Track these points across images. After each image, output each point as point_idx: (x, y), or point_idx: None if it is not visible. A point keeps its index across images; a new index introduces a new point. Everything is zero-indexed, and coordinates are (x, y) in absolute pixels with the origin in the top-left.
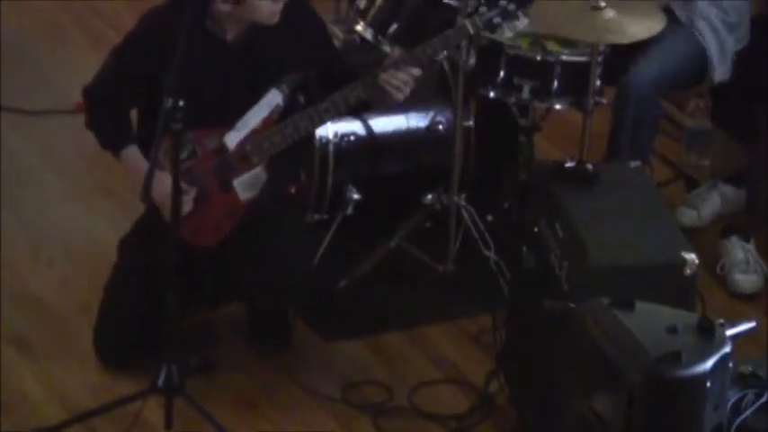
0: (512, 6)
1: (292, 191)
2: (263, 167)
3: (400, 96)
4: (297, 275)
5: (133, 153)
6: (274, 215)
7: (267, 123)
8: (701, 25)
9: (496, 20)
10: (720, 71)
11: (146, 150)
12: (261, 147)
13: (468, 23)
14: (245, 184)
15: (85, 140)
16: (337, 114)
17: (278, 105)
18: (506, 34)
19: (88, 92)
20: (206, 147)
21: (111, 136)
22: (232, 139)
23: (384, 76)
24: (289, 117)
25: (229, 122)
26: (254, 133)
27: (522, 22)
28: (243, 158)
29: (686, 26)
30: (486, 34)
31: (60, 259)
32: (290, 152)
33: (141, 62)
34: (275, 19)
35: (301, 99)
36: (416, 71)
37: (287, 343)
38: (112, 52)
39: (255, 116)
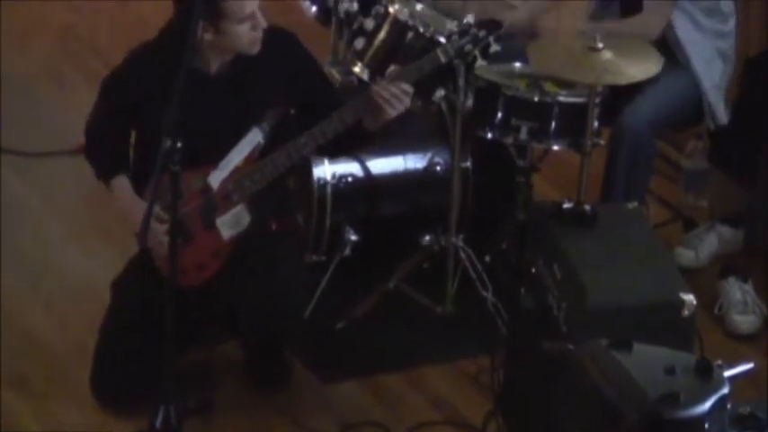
0: (482, 33)
1: (274, 227)
2: (245, 205)
3: (392, 111)
4: (284, 299)
5: (122, 183)
6: (259, 250)
7: (249, 161)
8: (698, 69)
9: (468, 47)
10: (719, 114)
11: (138, 182)
12: (242, 185)
13: (439, 52)
14: (228, 223)
15: (84, 182)
16: (315, 149)
17: (259, 143)
18: (480, 64)
19: (87, 123)
20: (191, 187)
21: (103, 166)
22: (215, 178)
23: (375, 89)
24: (269, 154)
25: (214, 161)
26: (237, 172)
27: (494, 48)
28: (225, 197)
29: (683, 66)
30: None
31: (59, 299)
32: (273, 187)
33: (125, 96)
34: (256, 48)
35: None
36: (409, 87)
37: (285, 383)
38: (101, 85)
39: (237, 155)
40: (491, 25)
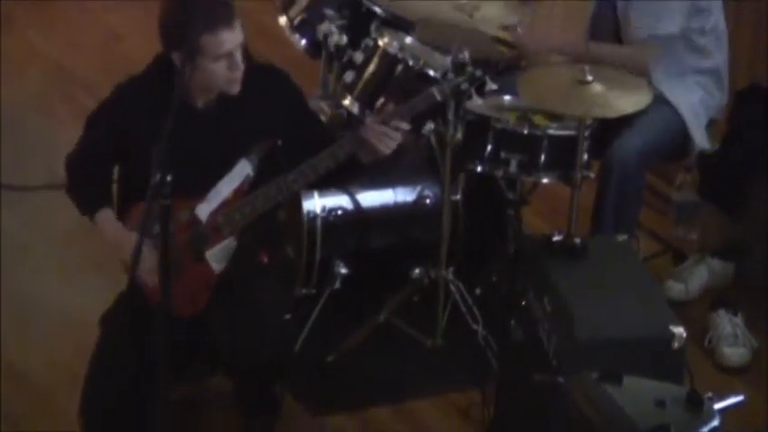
0: (479, 72)
1: (264, 260)
2: (235, 237)
3: (385, 149)
4: (273, 332)
5: (107, 217)
6: (248, 282)
7: (238, 194)
8: (679, 99)
9: (464, 86)
10: (699, 138)
11: (122, 215)
12: (232, 218)
13: (434, 90)
14: (218, 256)
15: (74, 215)
16: (307, 184)
17: (248, 176)
18: (476, 101)
19: (67, 158)
20: (179, 219)
21: (86, 200)
22: (203, 210)
23: (365, 128)
24: (259, 186)
25: (201, 193)
26: (225, 204)
27: (491, 87)
28: (215, 230)
29: (666, 100)
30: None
31: (48, 332)
32: (263, 221)
33: (111, 130)
34: (236, 88)
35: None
36: (404, 125)
37: (276, 417)
38: (87, 120)
39: (226, 187)
40: (487, 64)
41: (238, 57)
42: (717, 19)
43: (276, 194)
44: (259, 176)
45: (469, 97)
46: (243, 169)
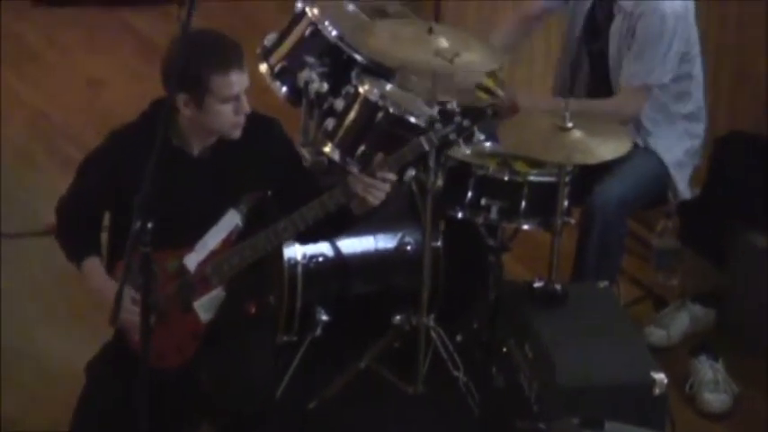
0: (467, 122)
1: (252, 310)
2: (223, 288)
3: (373, 200)
4: (257, 382)
5: (93, 265)
6: (234, 332)
7: (226, 244)
8: (661, 148)
9: (452, 136)
10: (683, 189)
11: (112, 263)
12: (221, 269)
13: (423, 140)
14: (206, 306)
15: (58, 263)
16: (295, 234)
17: (237, 226)
18: (463, 151)
19: (58, 203)
20: (166, 269)
21: (74, 247)
22: (192, 260)
23: (351, 181)
24: (247, 237)
25: (190, 243)
26: (214, 255)
27: (478, 137)
28: (203, 280)
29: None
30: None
31: (32, 381)
32: (250, 272)
33: (104, 176)
34: (237, 132)
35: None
36: (392, 176)
37: None
38: (79, 166)
39: (214, 237)
40: (476, 114)
41: (245, 101)
42: (699, 64)
43: (265, 245)
44: (247, 227)
45: (457, 147)
46: (231, 219)
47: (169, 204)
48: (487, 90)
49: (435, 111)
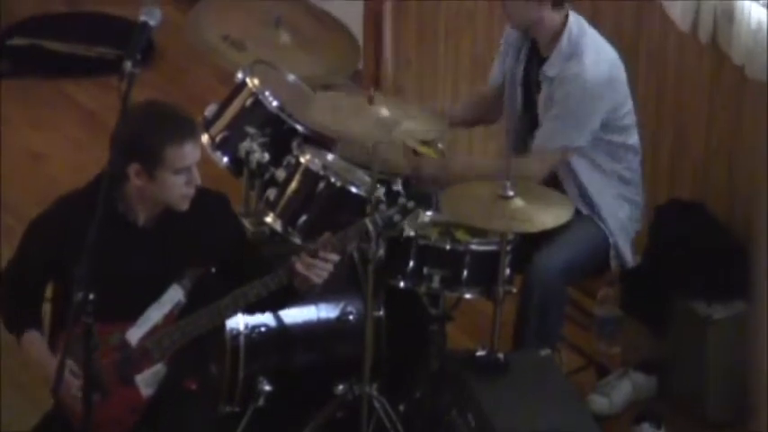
0: (411, 204)
1: (194, 386)
2: (164, 363)
3: (317, 279)
4: None
5: (33, 338)
6: (174, 407)
7: (169, 320)
8: (603, 214)
9: (396, 217)
10: (627, 257)
11: (54, 334)
12: (162, 343)
13: (367, 221)
14: (148, 381)
15: None
16: (237, 311)
17: (179, 301)
18: (407, 232)
19: (2, 272)
20: (108, 342)
21: (15, 318)
22: (134, 335)
23: (296, 264)
24: (190, 312)
25: (131, 317)
26: (156, 329)
27: (423, 218)
28: (144, 355)
29: (592, 213)
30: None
31: None
32: (192, 347)
33: (47, 244)
34: (185, 205)
35: None
36: (335, 257)
37: None
38: (24, 232)
39: (157, 312)
40: (422, 198)
41: (196, 173)
42: (635, 135)
43: (207, 321)
44: (190, 302)
45: (401, 230)
46: (174, 295)
47: (112, 275)
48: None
49: (381, 192)
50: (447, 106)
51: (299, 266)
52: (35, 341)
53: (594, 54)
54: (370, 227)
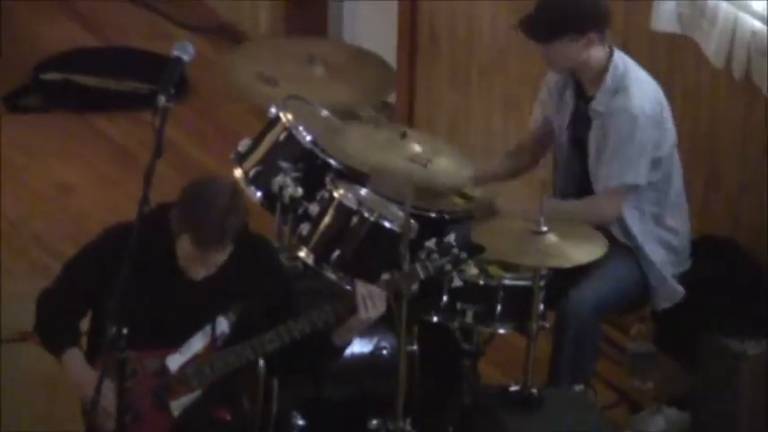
0: (463, 255)
1: (228, 417)
2: (201, 391)
3: (365, 313)
4: None
5: (73, 356)
6: None
7: (211, 349)
8: (645, 250)
9: (447, 267)
10: (664, 296)
11: (92, 357)
12: (202, 372)
13: (419, 268)
14: (183, 408)
15: (28, 370)
16: (280, 346)
17: (223, 332)
18: (455, 283)
19: (41, 296)
20: (147, 367)
21: (55, 338)
22: (174, 361)
23: (358, 285)
24: (232, 344)
25: (174, 344)
26: (197, 358)
27: (471, 271)
28: (183, 382)
29: (627, 250)
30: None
31: None
32: (229, 378)
33: (90, 274)
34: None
35: None
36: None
37: None
38: (68, 261)
39: (200, 341)
40: (474, 248)
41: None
42: (676, 175)
43: (249, 354)
44: (233, 335)
45: (451, 279)
46: (218, 326)
47: (157, 307)
48: (463, 195)
49: (432, 243)
50: (487, 165)
51: (360, 287)
52: (75, 358)
53: (638, 89)
54: (421, 273)
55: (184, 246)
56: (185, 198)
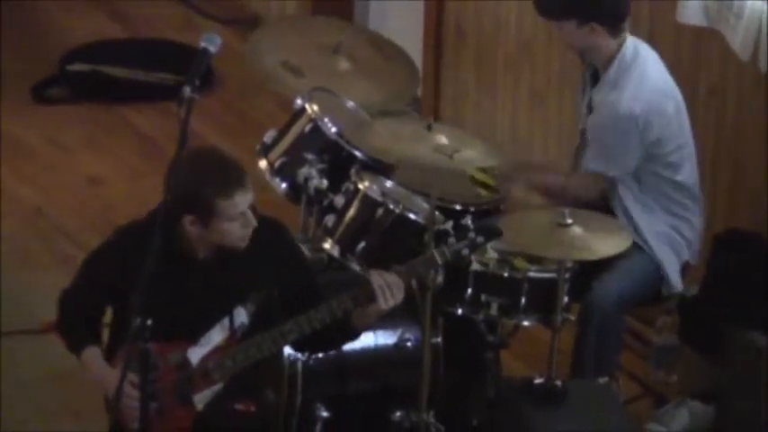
0: (480, 239)
1: (252, 408)
2: (223, 384)
3: (384, 303)
4: None
5: (93, 354)
6: (231, 429)
7: (231, 341)
8: (652, 243)
9: (465, 251)
10: (674, 282)
11: (111, 358)
12: (223, 364)
13: (436, 254)
14: (205, 400)
15: (52, 361)
16: (301, 336)
17: (242, 323)
18: (474, 267)
19: (61, 296)
20: (168, 361)
21: (75, 338)
22: (195, 354)
23: (374, 274)
24: (252, 334)
25: (193, 337)
26: (218, 350)
27: (490, 254)
28: (204, 374)
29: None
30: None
31: None
32: (252, 370)
33: (108, 272)
34: (244, 243)
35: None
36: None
37: None
38: (85, 259)
39: (220, 333)
40: (491, 232)
41: (250, 214)
42: (687, 170)
43: (270, 345)
44: (253, 325)
45: (469, 263)
46: (237, 317)
47: (172, 300)
48: (484, 185)
49: (449, 225)
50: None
51: (376, 278)
52: (95, 356)
53: (635, 87)
54: (439, 259)
55: (187, 226)
56: (193, 173)
